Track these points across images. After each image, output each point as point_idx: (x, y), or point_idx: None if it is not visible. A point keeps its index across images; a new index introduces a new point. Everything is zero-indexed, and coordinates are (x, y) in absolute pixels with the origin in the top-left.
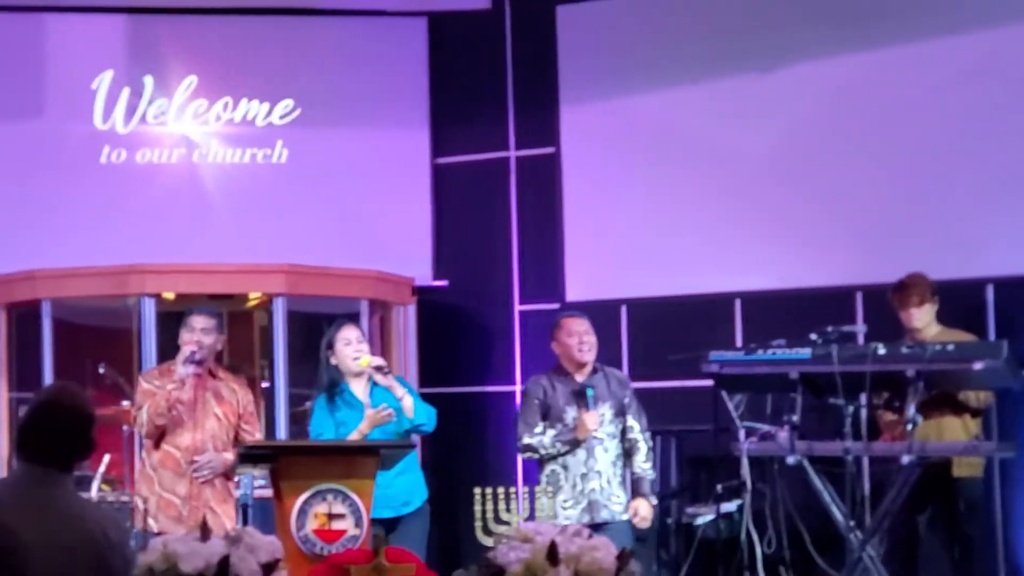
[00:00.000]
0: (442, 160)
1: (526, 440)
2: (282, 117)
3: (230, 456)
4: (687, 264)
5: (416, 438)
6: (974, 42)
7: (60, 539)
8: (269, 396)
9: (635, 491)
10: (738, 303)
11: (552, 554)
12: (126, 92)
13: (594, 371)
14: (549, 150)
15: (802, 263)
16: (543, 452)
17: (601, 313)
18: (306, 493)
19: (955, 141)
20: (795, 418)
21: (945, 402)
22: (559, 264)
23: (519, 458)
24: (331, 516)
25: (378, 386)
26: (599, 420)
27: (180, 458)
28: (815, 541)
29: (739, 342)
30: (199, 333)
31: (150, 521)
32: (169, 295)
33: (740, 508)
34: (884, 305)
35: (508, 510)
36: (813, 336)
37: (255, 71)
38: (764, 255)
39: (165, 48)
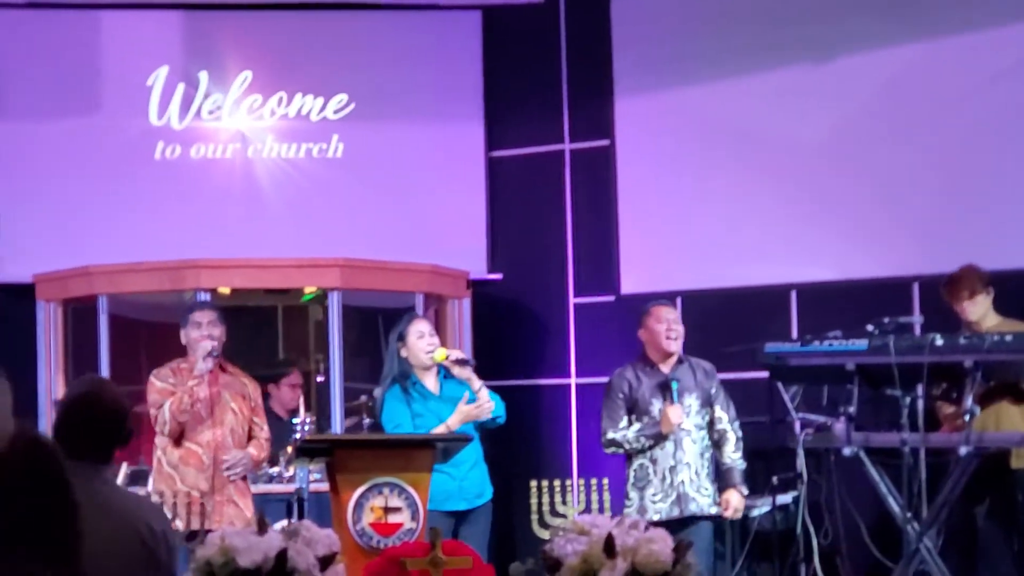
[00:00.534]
0: (497, 153)
1: (610, 435)
2: (336, 112)
3: (254, 452)
4: (742, 256)
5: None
6: None
7: (103, 532)
8: (324, 390)
9: (726, 482)
10: (794, 294)
11: (609, 547)
12: (181, 88)
13: (679, 361)
14: (604, 142)
15: (858, 254)
16: (627, 447)
17: None
18: (362, 487)
19: (1011, 130)
20: (851, 409)
21: (1004, 393)
22: (614, 257)
23: (574, 450)
24: (387, 509)
25: (448, 379)
26: (683, 414)
27: (202, 454)
28: (871, 533)
29: (795, 333)
30: (207, 327)
31: (174, 519)
32: (225, 290)
33: (796, 500)
34: (941, 296)
35: (564, 503)
36: (870, 327)
37: (309, 66)
38: (820, 246)
39: (220, 44)
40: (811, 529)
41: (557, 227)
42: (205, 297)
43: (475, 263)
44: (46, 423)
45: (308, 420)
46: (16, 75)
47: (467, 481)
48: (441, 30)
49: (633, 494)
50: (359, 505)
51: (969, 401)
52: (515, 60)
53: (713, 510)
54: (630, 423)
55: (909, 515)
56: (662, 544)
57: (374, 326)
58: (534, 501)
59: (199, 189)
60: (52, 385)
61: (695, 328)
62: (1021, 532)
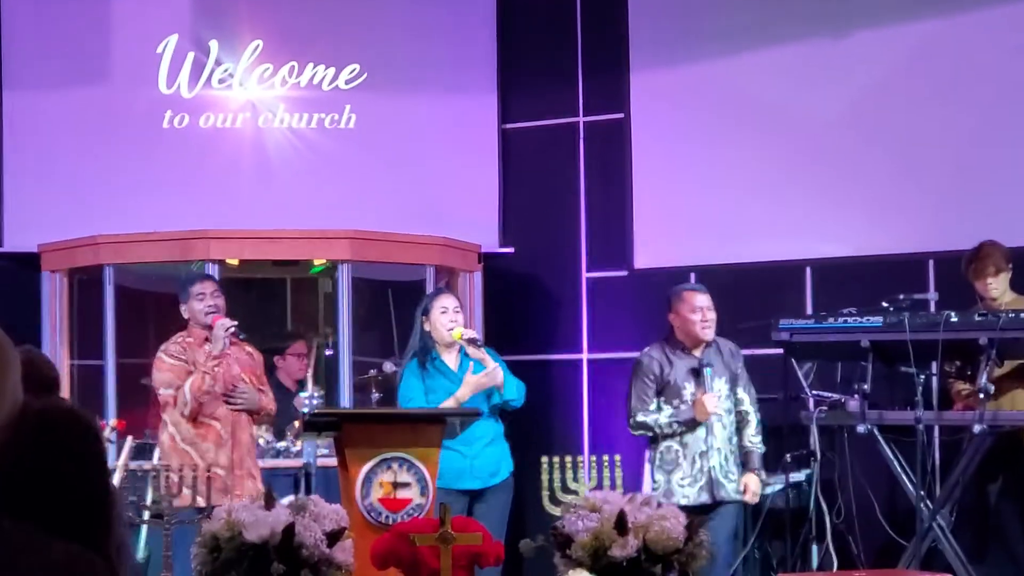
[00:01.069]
0: (510, 126)
1: (640, 418)
2: (348, 82)
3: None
4: (757, 231)
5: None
6: None
7: None
8: (333, 364)
9: (745, 465)
10: (808, 270)
11: (621, 523)
12: (191, 56)
13: (707, 345)
14: (618, 116)
15: (873, 230)
16: (659, 431)
17: (669, 280)
18: (371, 461)
19: None
20: (866, 387)
21: (1019, 372)
22: (627, 231)
23: (585, 427)
24: (396, 485)
25: (469, 357)
26: (717, 403)
27: (220, 429)
28: (884, 511)
29: (809, 310)
30: (211, 298)
31: (195, 496)
32: (233, 261)
33: (809, 478)
34: (956, 272)
35: (576, 479)
36: (884, 304)
37: (321, 35)
38: (834, 222)
39: (230, 12)
40: (824, 507)
41: (570, 201)
42: (212, 268)
43: (487, 236)
44: None
45: (316, 394)
46: (25, 44)
47: (479, 460)
48: (455, 1)
49: (659, 477)
50: (367, 480)
51: (984, 379)
52: (529, 31)
53: (740, 496)
54: (659, 406)
55: (922, 493)
56: (674, 521)
57: (384, 299)
58: (545, 478)
59: (208, 159)
60: (57, 356)
61: None
62: None
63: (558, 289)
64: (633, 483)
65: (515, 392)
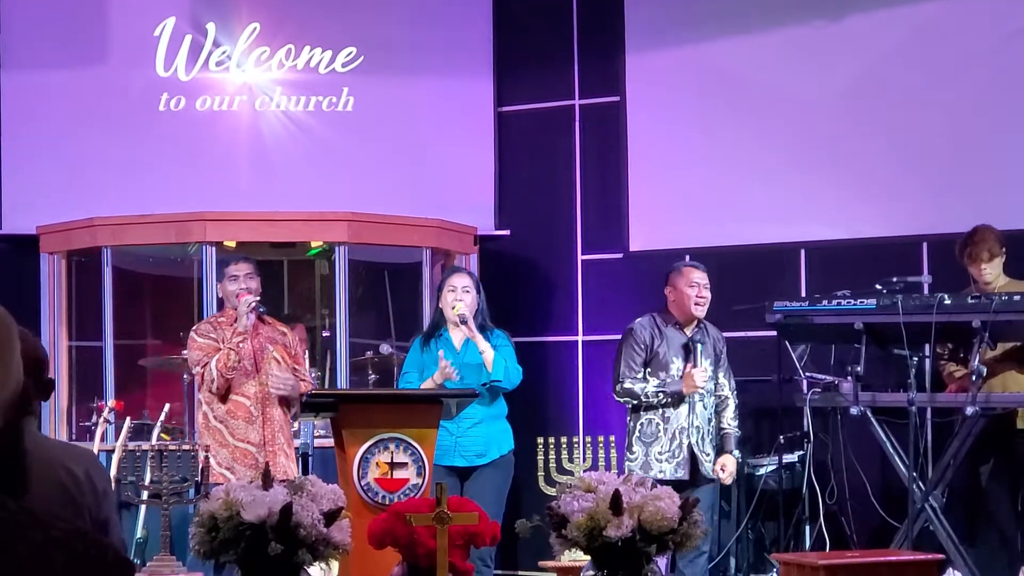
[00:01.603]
0: (506, 108)
1: (627, 385)
2: (345, 65)
3: (299, 382)
4: (752, 214)
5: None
6: None
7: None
8: (330, 345)
9: (723, 447)
10: (803, 253)
11: (616, 504)
12: (188, 39)
13: (698, 324)
14: (614, 98)
15: (867, 213)
16: (644, 400)
17: (664, 263)
18: (368, 442)
19: (1020, 90)
20: (859, 369)
21: (1011, 354)
22: (623, 213)
23: (580, 408)
24: (393, 465)
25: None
26: (707, 378)
27: (251, 407)
28: (877, 492)
29: (803, 292)
30: (244, 280)
31: (226, 473)
32: (231, 243)
33: (802, 459)
34: (949, 255)
35: (571, 460)
36: (878, 286)
37: (318, 18)
38: (829, 205)
39: None
40: (817, 488)
41: (566, 183)
42: (208, 251)
43: (483, 219)
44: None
45: (314, 375)
46: (22, 25)
47: (465, 439)
48: None
49: (638, 448)
50: (364, 460)
51: (976, 361)
52: (526, 14)
53: (713, 474)
54: (645, 377)
55: (914, 475)
56: (669, 501)
57: (380, 281)
58: (541, 458)
59: (205, 141)
60: (55, 338)
61: None
62: None
63: (553, 271)
64: (622, 458)
65: (501, 374)
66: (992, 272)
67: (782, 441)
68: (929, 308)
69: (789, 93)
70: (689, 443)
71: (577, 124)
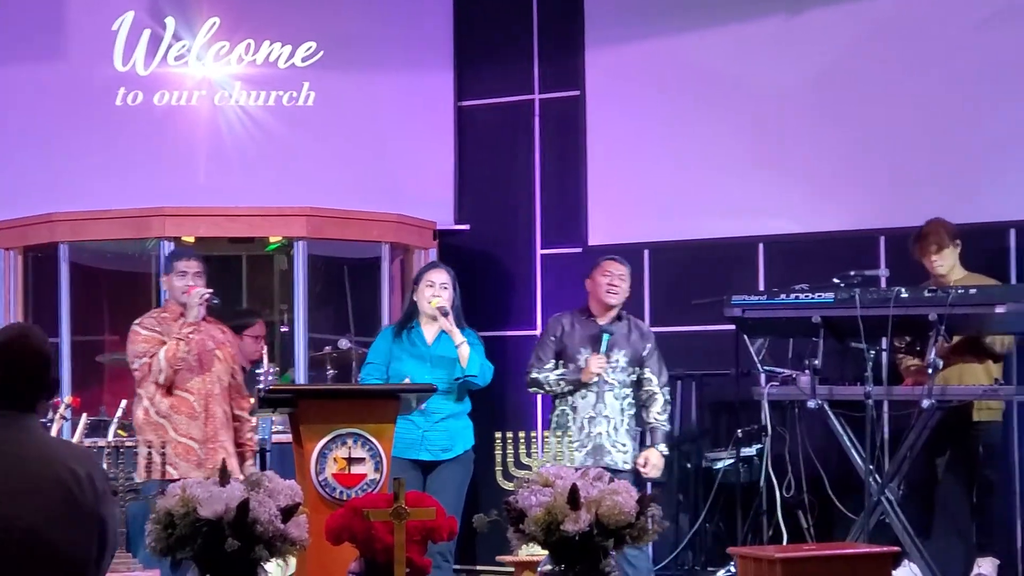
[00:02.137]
0: (466, 103)
1: (533, 374)
2: (304, 60)
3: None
4: (710, 208)
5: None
6: None
7: (20, 479)
8: (289, 341)
9: (649, 441)
10: (761, 247)
11: (573, 498)
12: (147, 33)
13: (618, 317)
14: (573, 93)
15: (825, 207)
16: (547, 388)
17: (624, 257)
18: (326, 437)
19: (980, 85)
20: (816, 362)
21: (968, 347)
22: (582, 208)
23: (539, 402)
24: (350, 460)
25: (445, 333)
26: (604, 365)
27: (194, 402)
28: (834, 485)
29: (762, 286)
30: (192, 277)
31: (169, 469)
32: (189, 239)
33: (760, 452)
34: (907, 249)
35: (529, 454)
36: (836, 280)
37: (277, 13)
38: (787, 199)
39: None
40: (774, 481)
41: (525, 178)
42: (167, 246)
43: (442, 213)
44: None
45: (272, 371)
46: None
47: (432, 433)
48: None
49: (552, 438)
50: (322, 456)
51: (933, 354)
52: (486, 9)
53: (627, 466)
54: (557, 367)
55: (871, 467)
56: (626, 496)
57: (339, 276)
58: (499, 452)
59: (163, 136)
60: None
61: (662, 280)
62: (980, 484)
63: (513, 265)
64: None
65: (477, 369)
66: (943, 264)
67: (740, 435)
68: (886, 302)
69: (748, 87)
70: (596, 432)
71: (537, 119)
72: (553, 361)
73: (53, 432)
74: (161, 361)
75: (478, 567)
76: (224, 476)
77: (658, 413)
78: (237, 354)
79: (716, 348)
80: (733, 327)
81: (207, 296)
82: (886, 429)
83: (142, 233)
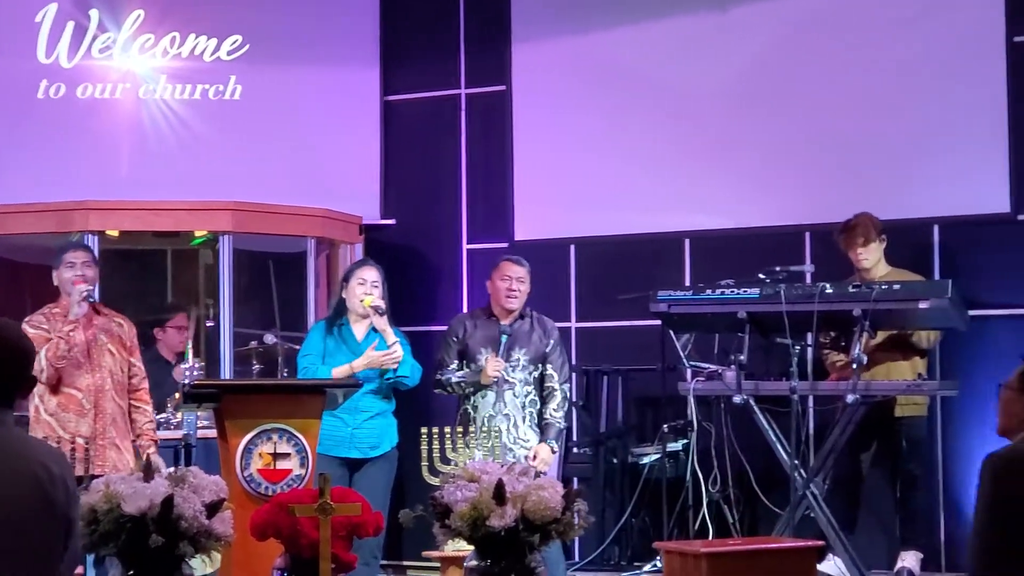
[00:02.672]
0: (392, 97)
1: (437, 376)
2: (230, 53)
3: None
4: (636, 203)
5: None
6: None
7: None
8: (214, 335)
9: (541, 436)
10: (687, 242)
11: (499, 493)
12: (71, 26)
13: (520, 316)
14: (500, 88)
15: (751, 203)
16: (449, 390)
17: (550, 252)
18: (251, 433)
19: (903, 82)
20: (742, 357)
21: (892, 342)
22: (508, 203)
23: None
24: (276, 455)
25: (376, 332)
26: (500, 368)
27: (82, 399)
28: (760, 480)
29: (687, 282)
30: (81, 267)
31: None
32: (113, 233)
33: (686, 447)
34: (832, 245)
35: (455, 450)
36: (761, 276)
37: (203, 6)
38: (714, 195)
39: None
40: (700, 476)
41: (451, 173)
42: (91, 240)
43: (368, 208)
44: None
45: (196, 365)
46: None
47: (361, 431)
48: None
49: (458, 439)
50: (247, 451)
51: (857, 349)
52: (412, 4)
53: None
54: (461, 368)
55: (796, 462)
56: (552, 491)
57: (265, 271)
58: (424, 448)
59: (87, 130)
60: None
61: (588, 275)
62: (904, 478)
63: (439, 260)
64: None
65: (408, 370)
66: (868, 258)
67: (666, 430)
68: (811, 297)
69: (674, 83)
70: (497, 431)
71: (463, 114)
72: (456, 362)
73: None
74: (42, 360)
75: (404, 563)
76: (148, 472)
77: (554, 409)
78: (134, 347)
79: (642, 343)
80: (659, 322)
81: (85, 293)
82: (811, 424)
83: (65, 227)
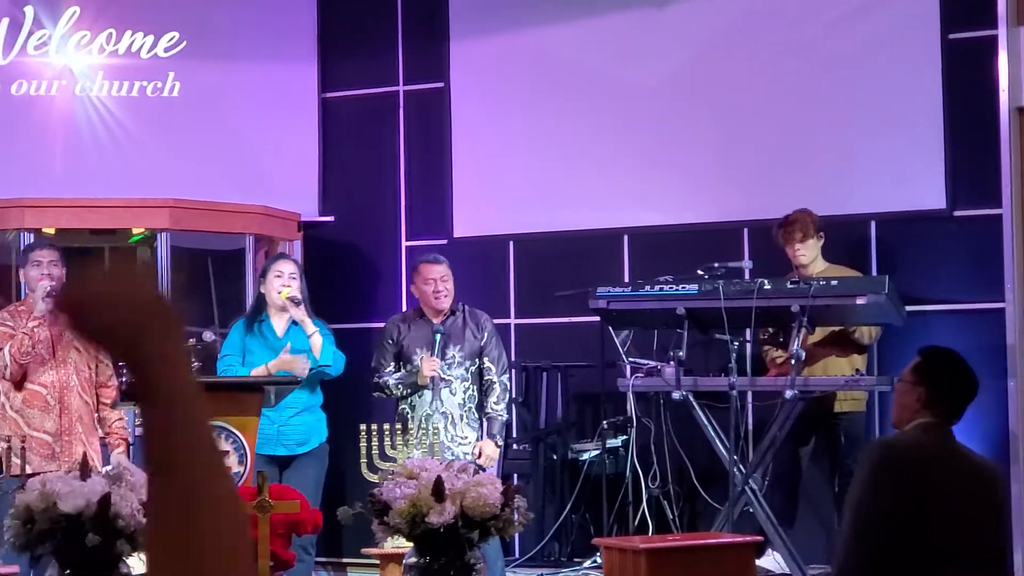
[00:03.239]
0: (330, 94)
1: (375, 379)
2: (167, 50)
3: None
4: (575, 200)
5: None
6: None
7: None
8: None
9: (484, 431)
10: (626, 239)
11: (438, 490)
12: (5, 23)
13: (452, 312)
14: (437, 85)
15: (689, 199)
16: (388, 393)
17: (488, 249)
18: None
19: (840, 78)
20: (681, 354)
21: (830, 338)
22: (447, 200)
23: None
24: None
25: (297, 324)
26: (436, 367)
27: (47, 395)
28: (699, 476)
29: (626, 278)
30: (47, 267)
31: (19, 462)
32: (49, 230)
33: (626, 444)
34: (770, 241)
35: (393, 447)
36: (700, 272)
37: (139, 2)
38: (652, 191)
39: None
40: (640, 473)
41: (390, 170)
42: (27, 238)
43: (307, 205)
44: None
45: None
46: None
47: (288, 427)
48: None
49: (397, 440)
50: None
51: (796, 345)
52: (350, 1)
53: (469, 459)
54: (398, 370)
55: (735, 458)
56: (491, 488)
57: (203, 268)
58: (363, 445)
59: (22, 127)
60: None
61: (527, 272)
62: (843, 474)
63: (378, 257)
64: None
65: (330, 359)
66: (806, 254)
67: (605, 426)
68: (749, 293)
69: (613, 80)
70: (434, 429)
71: (401, 110)
72: (393, 364)
73: None
74: (6, 356)
75: (344, 560)
76: (85, 470)
77: (495, 402)
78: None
79: (581, 340)
80: (598, 319)
81: (48, 289)
82: (750, 420)
83: (0, 224)
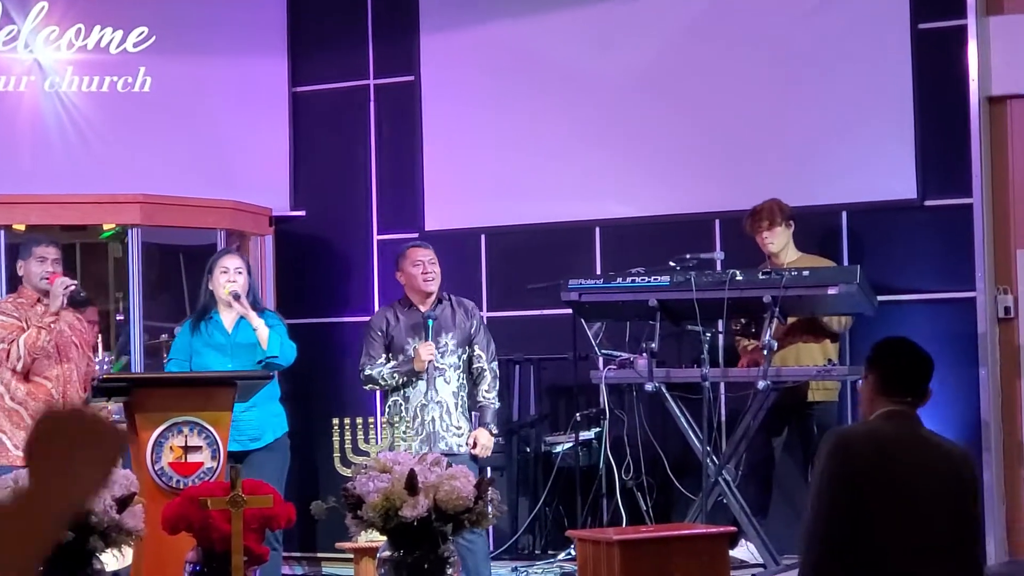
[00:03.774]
0: (300, 88)
1: (367, 371)
2: (136, 45)
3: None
4: (547, 192)
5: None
6: None
7: None
8: (124, 329)
9: (478, 420)
10: (597, 231)
11: (411, 484)
12: None
13: (439, 301)
14: (408, 78)
15: (660, 191)
16: (383, 383)
17: (460, 242)
18: (161, 426)
19: (812, 68)
20: (653, 345)
21: (802, 328)
22: (418, 193)
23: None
24: (187, 449)
25: (244, 319)
26: (433, 351)
27: (52, 388)
28: (673, 467)
29: (598, 270)
30: (52, 264)
31: (20, 454)
32: (20, 227)
33: (599, 436)
34: (742, 233)
35: (367, 440)
36: (671, 263)
37: None
38: (623, 183)
39: None
40: (613, 464)
41: (361, 163)
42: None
43: (278, 200)
44: None
45: (106, 359)
46: None
47: (239, 423)
48: None
49: (386, 430)
50: (158, 444)
51: (768, 336)
52: None
53: (463, 449)
54: (388, 361)
55: (708, 449)
56: (464, 481)
57: (175, 263)
58: (336, 439)
59: None
60: None
61: (499, 265)
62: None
63: (349, 251)
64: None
65: (278, 350)
66: (775, 243)
67: (579, 418)
68: (721, 284)
69: (583, 72)
70: (430, 418)
71: (372, 104)
72: (384, 356)
73: None
74: (21, 348)
75: (318, 554)
76: None
77: (486, 391)
78: (91, 341)
79: (553, 332)
80: (570, 311)
81: (70, 287)
82: (723, 411)
83: None
